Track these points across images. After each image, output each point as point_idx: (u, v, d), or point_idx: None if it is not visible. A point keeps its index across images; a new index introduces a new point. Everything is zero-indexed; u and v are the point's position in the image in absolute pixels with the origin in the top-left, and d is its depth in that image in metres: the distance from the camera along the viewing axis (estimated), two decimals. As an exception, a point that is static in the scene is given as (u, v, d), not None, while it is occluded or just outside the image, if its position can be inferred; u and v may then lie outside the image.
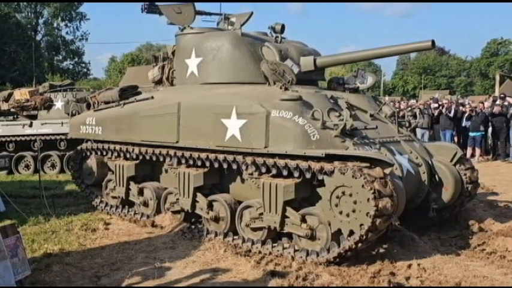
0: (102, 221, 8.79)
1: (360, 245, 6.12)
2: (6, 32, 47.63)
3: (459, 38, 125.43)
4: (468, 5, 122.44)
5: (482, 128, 17.58)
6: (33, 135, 14.83)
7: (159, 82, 9.63)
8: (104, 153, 9.66)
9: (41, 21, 57.71)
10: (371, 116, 7.81)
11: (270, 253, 6.79)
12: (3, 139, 15.16)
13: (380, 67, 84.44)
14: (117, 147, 9.20)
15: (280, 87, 7.45)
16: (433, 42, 7.31)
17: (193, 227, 8.00)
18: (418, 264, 6.36)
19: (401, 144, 7.55)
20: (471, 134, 17.59)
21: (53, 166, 15.29)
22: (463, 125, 18.17)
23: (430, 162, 7.66)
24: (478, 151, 17.55)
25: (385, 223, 6.03)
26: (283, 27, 8.61)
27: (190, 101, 7.93)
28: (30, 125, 15.21)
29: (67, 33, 59.42)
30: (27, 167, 15.41)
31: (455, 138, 18.66)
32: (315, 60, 8.30)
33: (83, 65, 61.29)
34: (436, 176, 7.61)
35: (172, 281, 6.04)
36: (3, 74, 43.95)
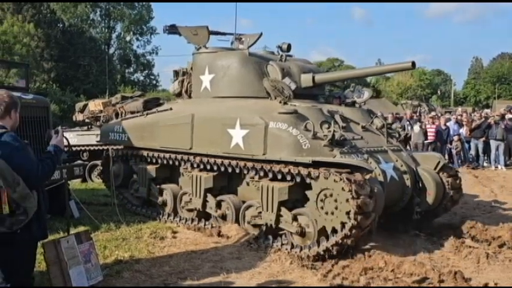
0: (170, 229, 8.91)
1: (345, 240, 6.80)
2: (80, 46, 50.06)
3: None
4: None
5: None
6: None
7: (179, 95, 10.55)
8: (129, 158, 10.66)
9: (113, 35, 60.49)
10: (363, 127, 8.58)
11: (336, 263, 6.96)
12: (78, 148, 15.36)
13: (450, 76, 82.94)
14: (141, 152, 10.09)
15: (280, 102, 8.38)
16: (413, 63, 8.14)
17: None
18: (495, 284, 6.26)
19: (389, 153, 8.27)
20: None
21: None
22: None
23: (415, 169, 8.35)
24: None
25: (366, 220, 6.72)
26: (289, 46, 9.48)
27: (203, 113, 8.87)
28: (103, 135, 15.63)
29: (138, 46, 61.88)
30: (100, 175, 15.71)
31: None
32: (313, 78, 9.18)
33: (152, 77, 63.24)
34: (420, 182, 8.28)
35: (239, 292, 6.15)
36: (78, 86, 46.06)
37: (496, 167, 18.47)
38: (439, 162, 8.60)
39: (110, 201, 10.79)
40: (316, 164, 7.11)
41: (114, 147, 10.76)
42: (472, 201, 12.05)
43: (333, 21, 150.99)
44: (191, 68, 10.22)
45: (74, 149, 14.36)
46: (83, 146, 15.39)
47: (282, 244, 7.60)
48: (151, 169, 9.93)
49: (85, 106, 17.67)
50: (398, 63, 8.52)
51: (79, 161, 11.84)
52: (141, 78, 62.07)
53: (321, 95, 9.85)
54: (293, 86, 8.76)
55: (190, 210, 9.30)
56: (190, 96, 10.29)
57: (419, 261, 6.78)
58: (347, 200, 6.58)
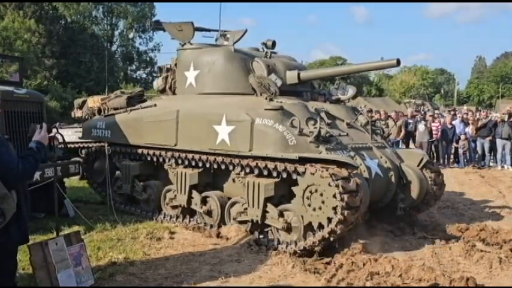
0: (167, 229, 8.61)
1: (332, 236, 6.85)
2: (81, 43, 50.03)
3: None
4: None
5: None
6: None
7: (163, 91, 10.53)
8: (112, 155, 10.40)
9: (116, 32, 60.48)
10: (347, 124, 8.61)
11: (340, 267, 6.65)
12: (77, 145, 14.45)
13: (453, 75, 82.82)
14: (124, 149, 10.04)
15: (266, 98, 8.34)
16: (398, 60, 8.15)
17: (261, 236, 7.92)
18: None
19: (373, 150, 8.33)
20: None
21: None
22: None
23: (398, 166, 8.39)
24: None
25: (352, 216, 6.75)
26: (274, 43, 9.53)
27: (188, 109, 8.86)
28: (102, 132, 15.10)
29: (140, 44, 61.88)
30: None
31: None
32: (298, 74, 9.18)
33: (155, 74, 63.34)
34: (404, 179, 8.32)
35: (237, 297, 5.92)
36: (79, 83, 46.08)
37: (502, 167, 18.17)
38: (422, 158, 8.69)
39: (107, 200, 10.48)
40: (302, 160, 7.16)
41: (108, 144, 10.46)
42: (479, 202, 11.83)
43: (335, 19, 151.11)
44: (175, 64, 10.21)
45: (72, 146, 13.86)
46: (82, 143, 14.41)
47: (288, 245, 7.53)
48: (135, 166, 9.91)
49: (84, 102, 17.55)
50: (384, 60, 8.53)
51: (75, 158, 11.24)
52: (144, 75, 62.08)
53: (305, 91, 9.82)
54: (279, 83, 8.78)
55: (174, 207, 9.27)
56: (174, 93, 10.28)
57: (428, 266, 6.48)
58: (334, 196, 6.65)
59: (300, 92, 9.53)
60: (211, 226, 8.56)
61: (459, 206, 11.11)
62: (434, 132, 18.50)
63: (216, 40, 10.26)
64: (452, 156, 19.49)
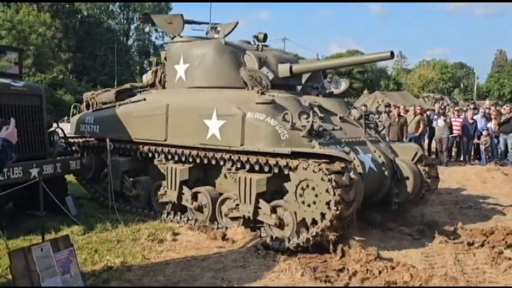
0: (171, 230, 8.17)
1: (326, 231, 6.70)
2: (97, 37, 50.13)
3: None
4: None
5: None
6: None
7: (152, 85, 10.35)
8: (101, 150, 10.24)
9: (132, 26, 60.59)
10: (340, 118, 8.44)
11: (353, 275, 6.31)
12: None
13: (473, 69, 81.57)
14: (113, 144, 9.64)
15: (257, 92, 8.17)
16: (391, 53, 7.92)
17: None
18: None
19: (367, 144, 8.19)
20: None
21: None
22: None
23: (392, 160, 8.23)
24: None
25: (346, 211, 6.60)
26: (265, 36, 9.30)
27: (178, 103, 8.71)
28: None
29: (156, 38, 61.96)
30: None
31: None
32: (291, 68, 8.98)
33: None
34: (398, 173, 8.16)
35: (240, 308, 5.64)
36: (94, 77, 46.23)
37: (526, 164, 17.35)
38: (416, 153, 8.55)
39: (95, 196, 10.54)
40: (295, 155, 7.04)
41: (109, 140, 9.96)
42: (503, 201, 11.20)
43: (351, 13, 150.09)
44: (165, 58, 10.07)
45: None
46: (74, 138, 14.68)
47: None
48: (124, 161, 9.74)
49: (93, 96, 17.47)
50: (377, 52, 8.30)
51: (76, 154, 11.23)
52: (159, 69, 62.04)
53: (297, 85, 9.63)
54: (271, 76, 8.63)
55: (165, 204, 9.11)
56: (164, 87, 10.12)
57: (451, 276, 6.05)
58: (327, 190, 6.51)
59: (292, 85, 9.37)
60: (218, 227, 8.23)
61: (482, 206, 10.63)
62: (457, 128, 17.98)
63: (207, 33, 10.06)
64: (473, 153, 18.81)
